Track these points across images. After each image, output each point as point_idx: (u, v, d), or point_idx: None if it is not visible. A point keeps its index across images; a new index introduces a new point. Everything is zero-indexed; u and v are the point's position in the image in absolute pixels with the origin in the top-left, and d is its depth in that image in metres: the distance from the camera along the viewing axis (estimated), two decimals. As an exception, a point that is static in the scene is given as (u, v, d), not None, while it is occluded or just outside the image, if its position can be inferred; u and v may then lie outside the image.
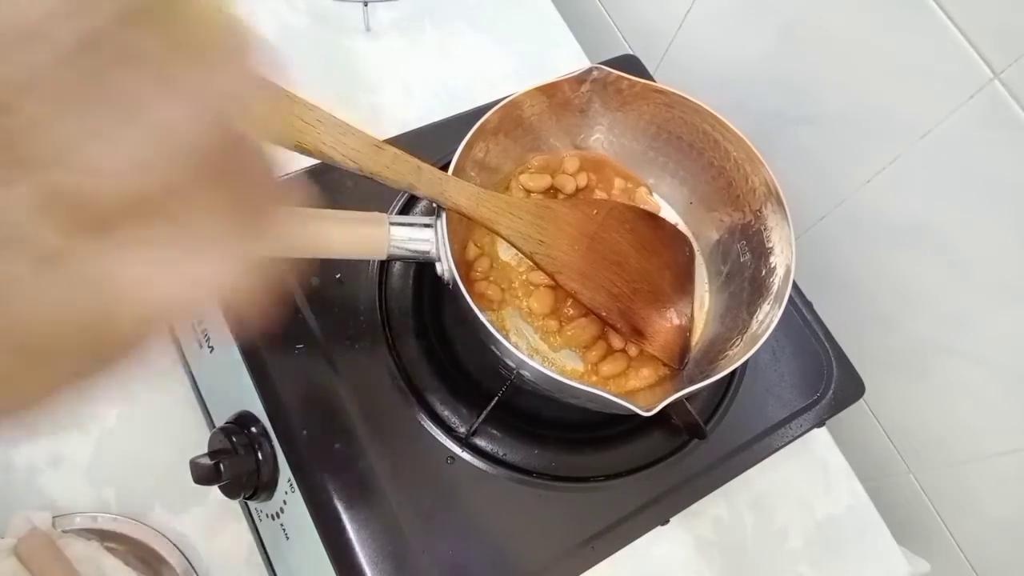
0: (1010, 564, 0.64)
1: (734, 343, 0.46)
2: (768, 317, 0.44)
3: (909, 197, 0.58)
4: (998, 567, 0.65)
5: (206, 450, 0.47)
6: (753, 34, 0.65)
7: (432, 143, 0.48)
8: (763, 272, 0.48)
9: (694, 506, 0.50)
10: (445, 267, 0.41)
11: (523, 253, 0.45)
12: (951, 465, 0.65)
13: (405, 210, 0.52)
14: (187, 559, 0.51)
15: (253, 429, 0.47)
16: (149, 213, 0.16)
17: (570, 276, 0.46)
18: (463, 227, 0.48)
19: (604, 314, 0.47)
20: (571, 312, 0.49)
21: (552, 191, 0.52)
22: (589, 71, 0.49)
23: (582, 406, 0.43)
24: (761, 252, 0.48)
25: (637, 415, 0.38)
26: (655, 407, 0.38)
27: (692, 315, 0.50)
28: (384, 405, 0.46)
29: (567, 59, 0.78)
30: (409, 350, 0.48)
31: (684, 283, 0.51)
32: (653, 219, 0.52)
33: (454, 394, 0.48)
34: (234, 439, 0.46)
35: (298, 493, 0.44)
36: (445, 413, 0.47)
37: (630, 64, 0.64)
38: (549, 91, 0.49)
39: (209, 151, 0.16)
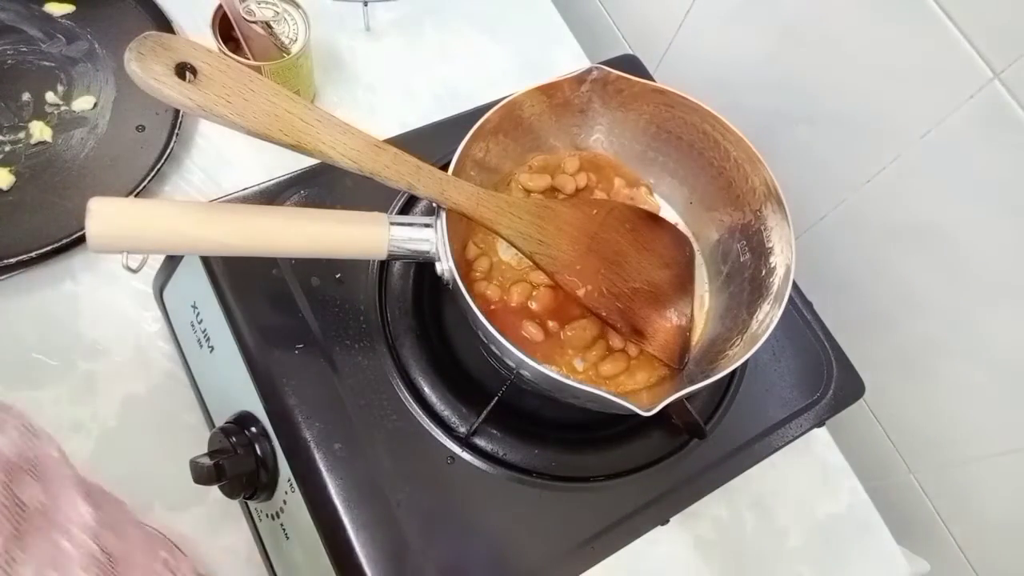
0: (1010, 564, 0.64)
1: (734, 343, 0.46)
2: (768, 317, 0.44)
3: (909, 197, 0.58)
4: (998, 567, 0.65)
5: (206, 450, 0.47)
6: (753, 34, 0.65)
7: (432, 143, 0.49)
8: (763, 272, 0.48)
9: (694, 506, 0.50)
10: (445, 267, 0.41)
11: (523, 253, 0.45)
12: (951, 465, 0.65)
13: (405, 210, 0.52)
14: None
15: (253, 429, 0.47)
16: None
17: (570, 276, 0.46)
18: (463, 227, 0.48)
19: (604, 314, 0.47)
20: (571, 312, 0.49)
21: (552, 191, 0.52)
22: (589, 71, 0.49)
23: (582, 406, 0.43)
24: (761, 252, 0.48)
25: (637, 415, 0.38)
26: (655, 407, 0.38)
27: (692, 315, 0.50)
28: (384, 405, 0.46)
29: (567, 59, 0.78)
30: (409, 350, 0.48)
31: (684, 283, 0.51)
32: (653, 219, 0.52)
33: (454, 394, 0.48)
34: (234, 439, 0.46)
35: (298, 493, 0.44)
36: (445, 413, 0.47)
37: (630, 64, 0.64)
38: (549, 91, 0.49)
39: None
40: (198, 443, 0.48)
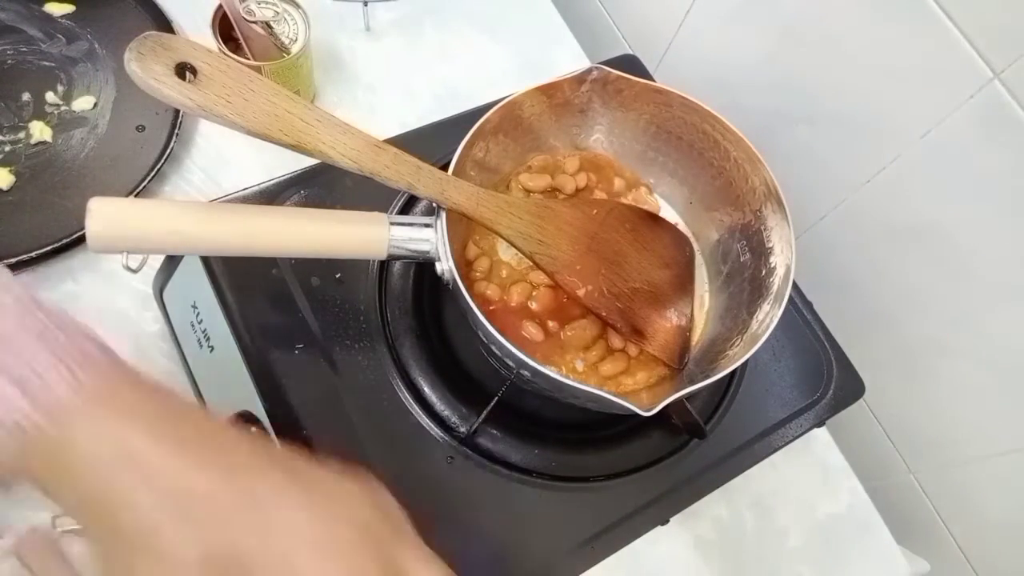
0: (1010, 564, 0.64)
1: (734, 343, 0.46)
2: (768, 317, 0.44)
3: (909, 197, 0.58)
4: (998, 567, 0.65)
5: (206, 450, 0.47)
6: (753, 34, 0.65)
7: (432, 143, 0.48)
8: (763, 272, 0.48)
9: (694, 506, 0.50)
10: (445, 267, 0.41)
11: (523, 253, 0.45)
12: (951, 465, 0.65)
13: (405, 210, 0.52)
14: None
15: (253, 429, 0.47)
16: None
17: (570, 276, 0.46)
18: (463, 227, 0.48)
19: (604, 314, 0.47)
20: (571, 312, 0.49)
21: (552, 191, 0.52)
22: (589, 71, 0.49)
23: (582, 406, 0.43)
24: (761, 252, 0.48)
25: (637, 415, 0.38)
26: (655, 407, 0.38)
27: (692, 315, 0.50)
28: (384, 405, 0.46)
29: (567, 59, 0.78)
30: (409, 350, 0.48)
31: (684, 283, 0.51)
32: (653, 219, 0.52)
33: (454, 394, 0.48)
34: (234, 439, 0.46)
35: (298, 493, 0.44)
36: (445, 413, 0.47)
37: (630, 64, 0.64)
38: (549, 91, 0.49)
39: None
40: (198, 443, 0.48)
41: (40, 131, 0.61)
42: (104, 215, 0.35)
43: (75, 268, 0.59)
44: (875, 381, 0.58)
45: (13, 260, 0.55)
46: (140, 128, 0.63)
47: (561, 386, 0.39)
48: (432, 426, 0.46)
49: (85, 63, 0.65)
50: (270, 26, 0.62)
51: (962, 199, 0.54)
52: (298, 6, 0.63)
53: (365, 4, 0.72)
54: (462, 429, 0.47)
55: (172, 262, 0.53)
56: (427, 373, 0.48)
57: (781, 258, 0.46)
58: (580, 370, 0.48)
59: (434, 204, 0.42)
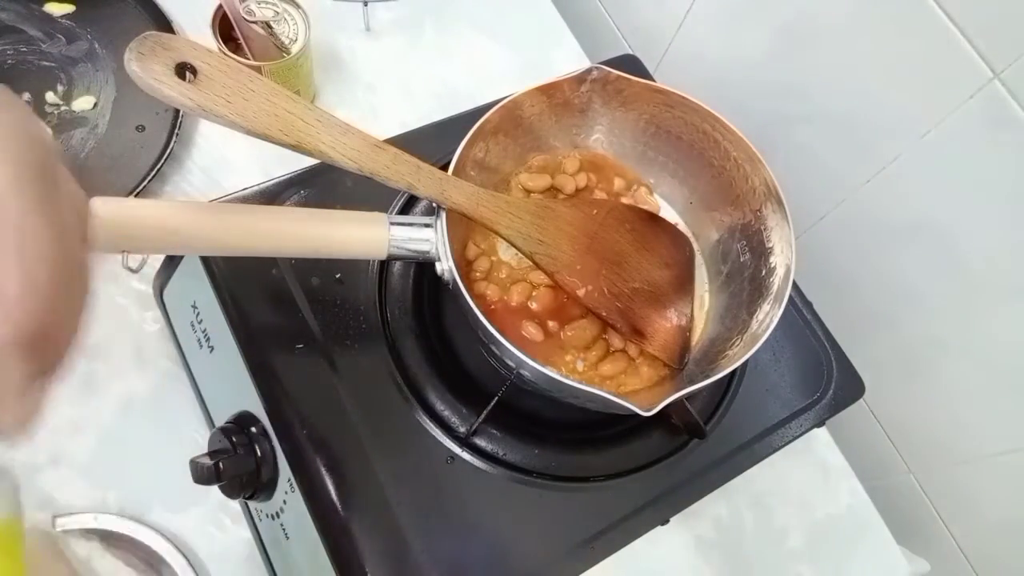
0: (1010, 564, 0.64)
1: (734, 343, 0.46)
2: (768, 317, 0.44)
3: (909, 197, 0.58)
4: (998, 567, 0.65)
5: (206, 450, 0.47)
6: (753, 34, 0.65)
7: (432, 143, 0.48)
8: (763, 272, 0.48)
9: (694, 506, 0.50)
10: (445, 267, 0.41)
11: (523, 253, 0.45)
12: (951, 465, 0.65)
13: (405, 210, 0.52)
14: (187, 559, 0.51)
15: (253, 429, 0.47)
16: None
17: (570, 276, 0.46)
18: (463, 227, 0.48)
19: (604, 314, 0.47)
20: (571, 312, 0.49)
21: (552, 191, 0.52)
22: (589, 71, 0.49)
23: (582, 406, 0.43)
24: (761, 252, 0.48)
25: (637, 415, 0.38)
26: (655, 407, 0.38)
27: (692, 315, 0.50)
28: (384, 405, 0.46)
29: (567, 59, 0.78)
30: (409, 350, 0.48)
31: (684, 283, 0.51)
32: (653, 219, 0.52)
33: (454, 394, 0.48)
34: (234, 439, 0.46)
35: (298, 493, 0.44)
36: (445, 413, 0.47)
37: (630, 64, 0.64)
38: (549, 91, 0.49)
39: None
40: (198, 443, 0.48)
41: (40, 131, 0.61)
42: (104, 215, 0.35)
43: (75, 268, 0.59)
44: (875, 381, 0.58)
45: (13, 260, 0.55)
46: (140, 128, 0.63)
47: (561, 386, 0.39)
48: (432, 426, 0.46)
49: (85, 63, 0.65)
50: (270, 26, 0.62)
51: (962, 199, 0.54)
52: (298, 6, 0.63)
53: (365, 4, 0.72)
54: (462, 429, 0.47)
55: (172, 262, 0.53)
56: (427, 373, 0.48)
57: (781, 258, 0.46)
58: (580, 370, 0.48)
59: (434, 204, 0.42)
